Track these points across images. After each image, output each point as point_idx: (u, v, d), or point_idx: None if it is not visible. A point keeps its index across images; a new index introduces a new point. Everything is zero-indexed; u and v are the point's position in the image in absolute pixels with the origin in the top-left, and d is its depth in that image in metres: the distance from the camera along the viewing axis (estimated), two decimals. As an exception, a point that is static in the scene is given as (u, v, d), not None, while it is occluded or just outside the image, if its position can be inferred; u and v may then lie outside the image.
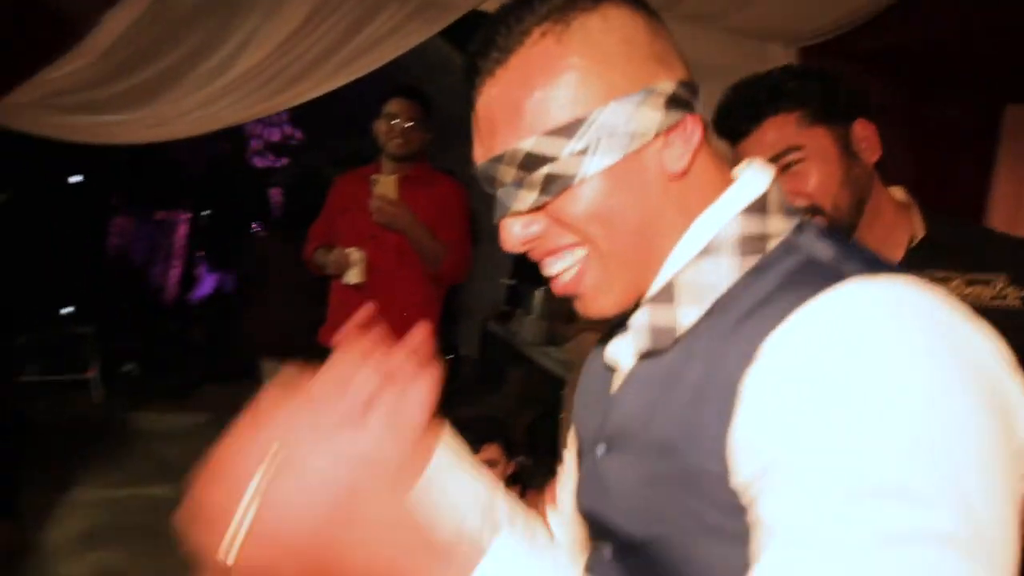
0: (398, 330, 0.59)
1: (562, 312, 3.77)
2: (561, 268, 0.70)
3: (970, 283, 1.17)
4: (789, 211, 0.69)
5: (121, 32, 1.96)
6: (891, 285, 0.57)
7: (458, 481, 0.65)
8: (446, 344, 3.46)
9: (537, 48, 0.65)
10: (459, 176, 2.80)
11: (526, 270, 4.45)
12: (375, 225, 2.59)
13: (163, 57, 2.05)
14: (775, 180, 0.70)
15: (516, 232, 0.68)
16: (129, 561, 3.12)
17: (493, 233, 0.71)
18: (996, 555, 0.49)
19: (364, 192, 2.65)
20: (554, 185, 0.65)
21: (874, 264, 0.62)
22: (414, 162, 2.70)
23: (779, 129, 1.18)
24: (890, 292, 0.57)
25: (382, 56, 2.32)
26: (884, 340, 0.54)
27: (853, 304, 0.56)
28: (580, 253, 0.68)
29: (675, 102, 0.66)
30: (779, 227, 0.67)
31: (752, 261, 0.66)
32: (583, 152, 0.64)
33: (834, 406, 0.53)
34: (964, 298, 1.16)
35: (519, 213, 0.68)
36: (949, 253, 1.20)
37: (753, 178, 0.70)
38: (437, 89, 2.74)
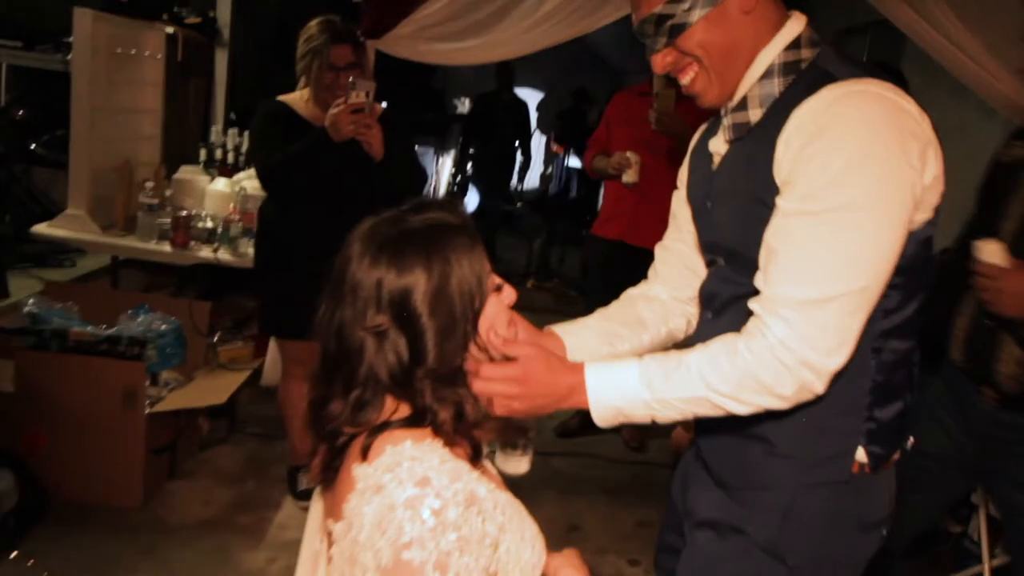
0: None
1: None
2: (688, 80, 1.15)
3: None
4: (814, 43, 1.10)
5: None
6: (859, 84, 1.01)
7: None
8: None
9: None
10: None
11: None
12: (649, 133, 3.07)
13: (498, -4, 2.68)
14: (806, 25, 1.12)
15: (659, 62, 1.14)
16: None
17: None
18: (871, 245, 0.98)
19: (638, 106, 3.14)
20: (675, 31, 1.10)
21: (862, 71, 1.03)
22: (682, 79, 3.15)
23: None
24: (857, 88, 1.01)
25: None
26: (868, 116, 0.98)
27: (852, 95, 1.00)
28: (695, 69, 1.13)
29: None
30: (808, 55, 1.09)
31: (791, 78, 1.08)
32: (689, 9, 1.08)
33: (821, 151, 0.99)
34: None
35: (658, 51, 1.13)
36: None
37: (794, 25, 1.12)
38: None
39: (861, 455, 1.15)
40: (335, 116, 2.31)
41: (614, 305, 1.38)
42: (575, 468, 3.19)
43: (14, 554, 2.24)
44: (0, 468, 2.28)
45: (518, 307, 1.10)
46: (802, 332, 0.98)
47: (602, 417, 1.07)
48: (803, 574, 1.17)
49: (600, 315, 1.35)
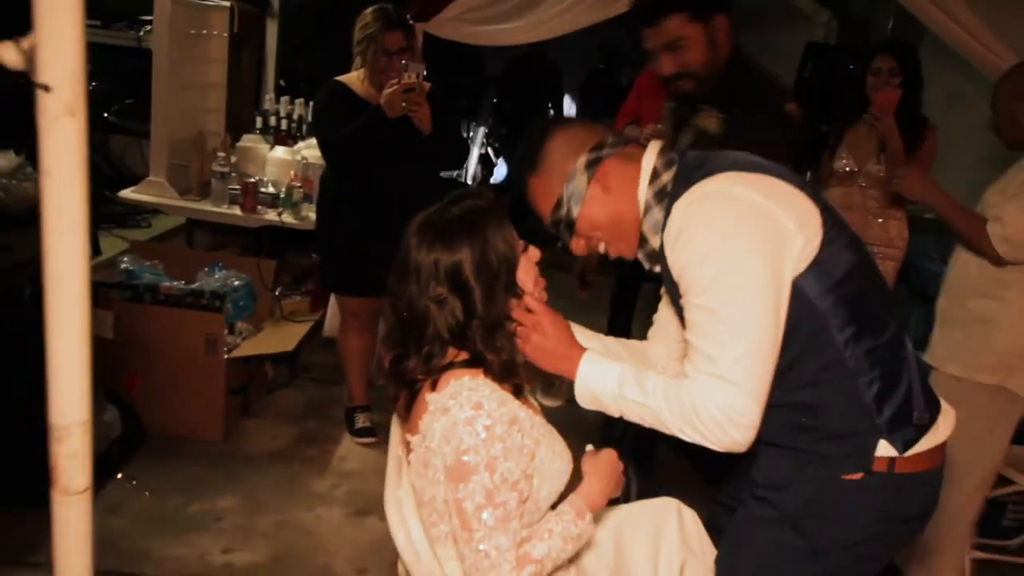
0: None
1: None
2: (603, 251, 1.40)
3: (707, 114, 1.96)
4: (668, 163, 1.32)
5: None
6: (713, 182, 1.23)
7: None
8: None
9: (533, 181, 1.38)
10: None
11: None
12: None
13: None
14: (658, 152, 1.34)
15: (575, 248, 1.40)
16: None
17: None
18: (747, 316, 1.17)
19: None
20: (569, 227, 1.36)
21: (713, 167, 1.25)
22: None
23: (672, 24, 1.88)
24: (712, 186, 1.22)
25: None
26: (704, 218, 1.21)
27: (696, 199, 1.23)
28: (603, 243, 1.39)
29: (591, 164, 1.34)
30: (668, 176, 1.31)
31: (666, 201, 1.29)
32: (568, 211, 1.35)
33: (687, 252, 1.21)
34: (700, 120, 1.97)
35: (570, 242, 1.39)
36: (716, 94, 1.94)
37: (647, 160, 1.34)
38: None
39: (885, 449, 1.27)
40: (389, 95, 2.59)
41: (633, 341, 1.61)
42: (601, 418, 3.51)
43: (119, 476, 2.64)
44: (105, 403, 2.67)
45: (552, 266, 1.37)
46: (716, 394, 1.17)
47: (581, 396, 1.32)
48: (825, 553, 1.32)
49: (616, 340, 1.58)
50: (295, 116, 3.98)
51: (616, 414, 1.30)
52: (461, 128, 7.49)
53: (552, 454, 1.30)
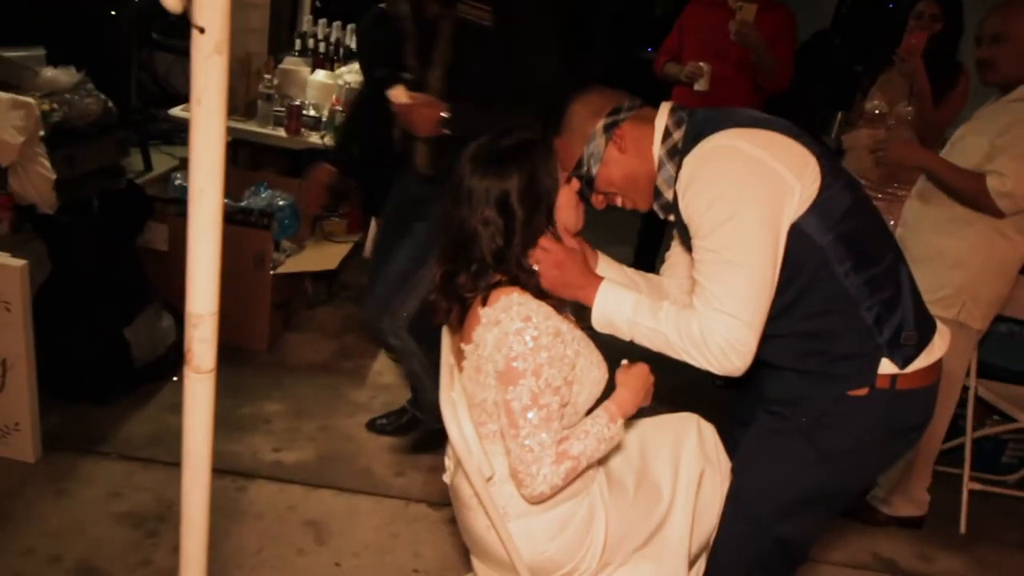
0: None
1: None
2: (619, 204, 1.53)
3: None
4: (679, 122, 1.44)
5: None
6: (717, 138, 1.35)
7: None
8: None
9: (557, 142, 1.49)
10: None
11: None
12: (721, 43, 3.25)
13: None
14: (669, 113, 1.45)
15: (594, 201, 1.53)
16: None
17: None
18: (746, 257, 1.30)
19: (711, 16, 3.33)
20: (589, 184, 1.49)
21: (717, 124, 1.38)
22: (756, -8, 3.32)
23: None
24: (717, 142, 1.35)
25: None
26: (710, 171, 1.34)
27: (702, 154, 1.36)
28: (619, 197, 1.52)
29: (608, 127, 1.46)
30: (679, 134, 1.43)
31: (677, 157, 1.41)
32: (588, 169, 1.47)
33: (696, 201, 1.34)
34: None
35: (589, 195, 1.52)
36: None
37: (660, 120, 1.46)
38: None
39: (888, 366, 1.41)
40: (435, 26, 2.65)
41: (652, 274, 1.72)
42: (620, 342, 3.67)
43: (175, 378, 2.84)
44: (162, 311, 2.85)
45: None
46: (720, 326, 1.31)
47: (596, 320, 1.46)
48: (831, 460, 1.47)
49: (635, 271, 1.70)
50: (332, 39, 4.02)
51: (628, 338, 1.45)
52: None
53: (590, 364, 1.44)
